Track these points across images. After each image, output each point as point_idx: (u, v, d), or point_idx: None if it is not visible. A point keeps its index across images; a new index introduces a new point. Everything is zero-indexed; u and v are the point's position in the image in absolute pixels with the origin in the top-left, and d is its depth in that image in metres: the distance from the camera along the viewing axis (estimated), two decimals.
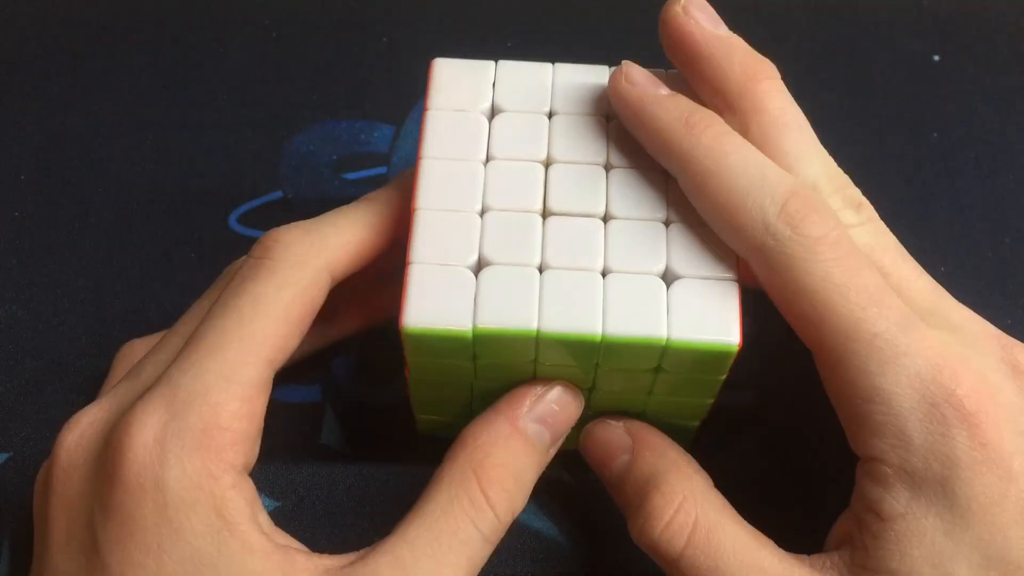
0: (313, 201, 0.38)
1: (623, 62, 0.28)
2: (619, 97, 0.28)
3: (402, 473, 0.32)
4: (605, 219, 0.27)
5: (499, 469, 0.26)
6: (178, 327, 0.28)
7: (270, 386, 0.27)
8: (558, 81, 0.29)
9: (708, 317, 0.25)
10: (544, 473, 0.32)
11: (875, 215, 0.29)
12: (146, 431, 0.24)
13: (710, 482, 0.28)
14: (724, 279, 0.26)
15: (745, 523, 0.27)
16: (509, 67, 0.30)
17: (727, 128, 0.27)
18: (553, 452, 0.28)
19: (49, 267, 0.36)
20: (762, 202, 0.25)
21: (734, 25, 0.44)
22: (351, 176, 0.39)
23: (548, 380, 0.28)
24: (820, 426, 0.33)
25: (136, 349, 0.31)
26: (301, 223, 0.28)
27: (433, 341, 0.26)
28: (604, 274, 0.26)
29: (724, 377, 0.27)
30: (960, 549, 0.25)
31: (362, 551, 0.25)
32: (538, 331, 0.25)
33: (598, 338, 0.25)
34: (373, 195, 0.29)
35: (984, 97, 0.41)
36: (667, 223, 0.27)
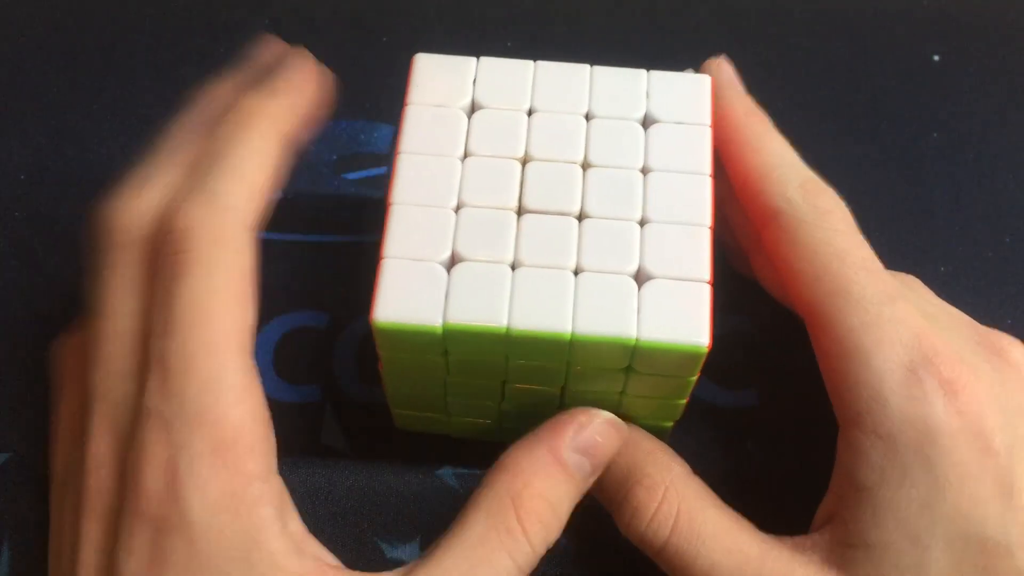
0: (313, 201, 0.38)
1: (723, 59, 0.32)
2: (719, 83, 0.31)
3: (402, 473, 0.32)
4: (579, 218, 0.27)
5: (537, 500, 0.26)
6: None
7: (256, 372, 0.26)
8: (539, 79, 0.29)
9: (678, 318, 0.25)
10: None
11: None
12: (156, 467, 0.24)
13: (687, 468, 0.28)
14: (696, 280, 0.26)
15: (726, 508, 0.28)
16: (490, 64, 0.30)
17: (774, 129, 0.31)
18: (592, 481, 0.28)
19: (49, 267, 0.36)
20: (786, 176, 0.29)
21: (735, 27, 0.44)
22: (351, 176, 0.39)
23: (592, 410, 0.28)
24: (820, 426, 0.33)
25: (69, 349, 0.30)
26: (195, 191, 0.26)
27: (403, 336, 0.26)
28: (576, 273, 0.26)
29: (695, 378, 0.27)
30: (937, 523, 0.25)
31: (396, 572, 0.25)
32: (508, 329, 0.25)
33: (567, 337, 0.25)
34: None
35: (984, 97, 0.41)
36: (641, 223, 0.27)
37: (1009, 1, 0.44)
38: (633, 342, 0.25)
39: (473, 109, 0.29)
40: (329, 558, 0.26)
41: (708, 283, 0.26)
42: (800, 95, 0.41)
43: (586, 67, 0.30)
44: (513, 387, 0.29)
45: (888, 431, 0.25)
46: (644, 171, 0.28)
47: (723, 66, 0.32)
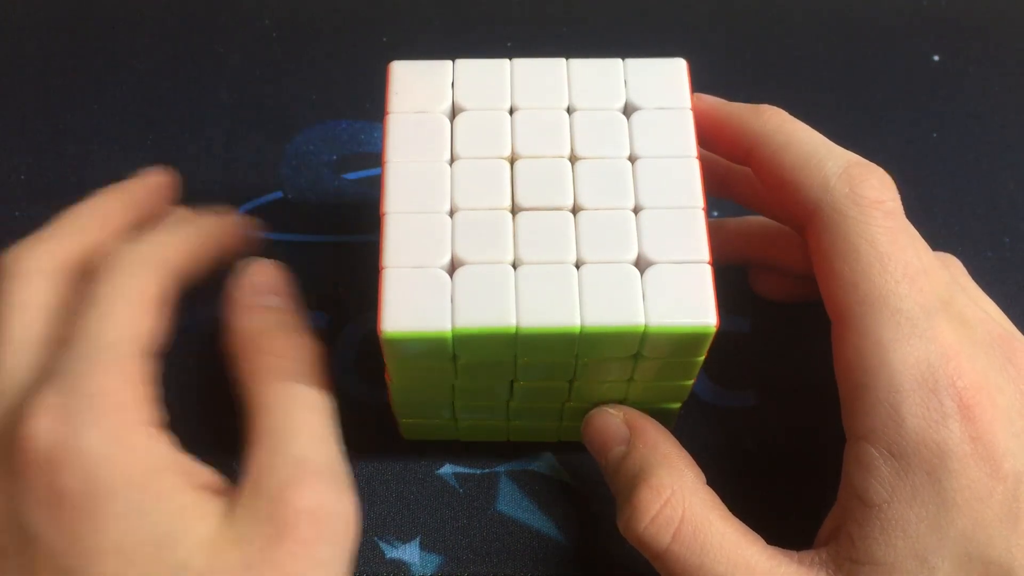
0: (313, 201, 0.38)
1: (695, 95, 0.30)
2: (696, 110, 0.29)
3: (402, 473, 0.32)
4: (574, 211, 0.27)
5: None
6: None
7: (145, 360, 0.27)
8: (517, 76, 0.29)
9: (684, 300, 0.26)
10: (544, 473, 0.32)
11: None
12: (47, 417, 0.25)
13: (701, 478, 0.28)
14: (696, 262, 0.26)
15: (734, 520, 0.27)
16: (467, 65, 0.30)
17: (795, 119, 0.29)
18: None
19: None
20: (826, 163, 0.27)
21: (734, 26, 0.44)
22: (351, 176, 0.39)
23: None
24: (820, 427, 0.33)
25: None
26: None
27: (413, 344, 0.26)
28: (578, 266, 0.26)
29: (703, 358, 0.27)
30: (944, 544, 0.25)
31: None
32: (517, 327, 0.25)
33: (577, 330, 0.25)
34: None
35: (984, 97, 0.41)
36: (635, 211, 0.27)
37: (1009, 1, 0.44)
38: (642, 329, 0.25)
39: (455, 112, 0.29)
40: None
41: (708, 263, 0.26)
42: (800, 95, 0.41)
43: (562, 61, 0.30)
44: (522, 385, 0.29)
45: (902, 450, 0.25)
46: (631, 159, 0.28)
47: (703, 97, 0.30)
